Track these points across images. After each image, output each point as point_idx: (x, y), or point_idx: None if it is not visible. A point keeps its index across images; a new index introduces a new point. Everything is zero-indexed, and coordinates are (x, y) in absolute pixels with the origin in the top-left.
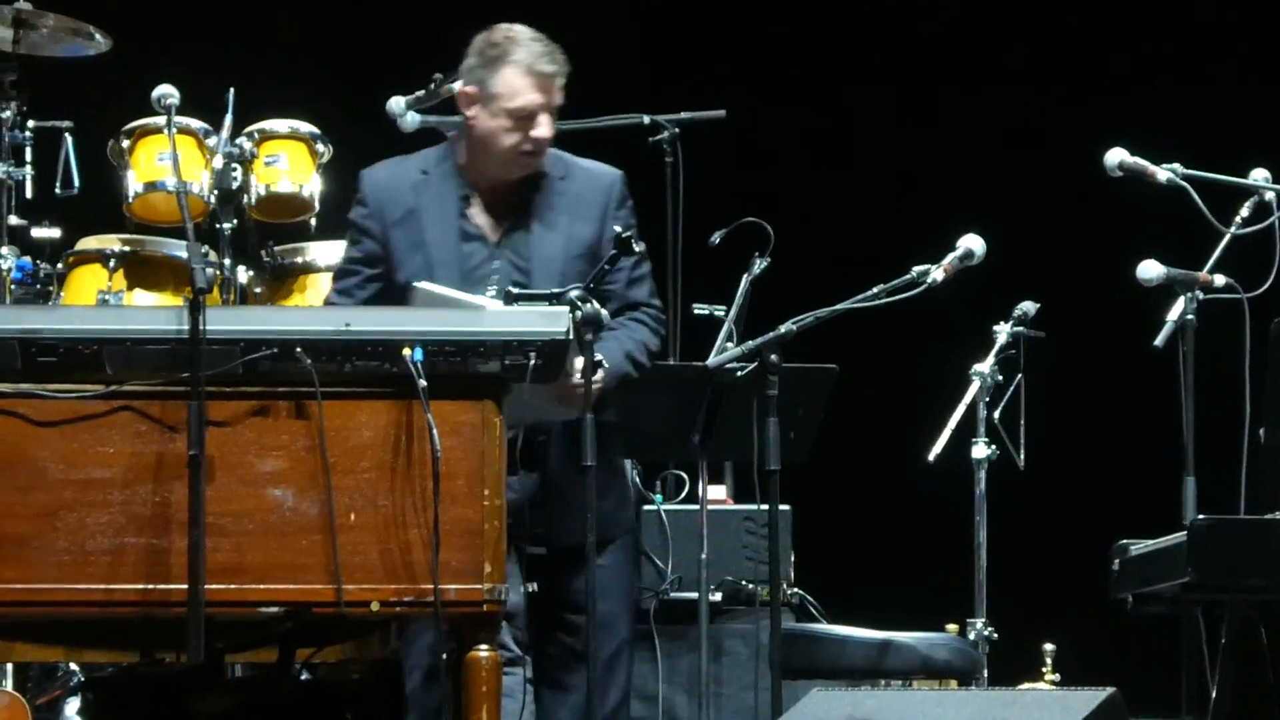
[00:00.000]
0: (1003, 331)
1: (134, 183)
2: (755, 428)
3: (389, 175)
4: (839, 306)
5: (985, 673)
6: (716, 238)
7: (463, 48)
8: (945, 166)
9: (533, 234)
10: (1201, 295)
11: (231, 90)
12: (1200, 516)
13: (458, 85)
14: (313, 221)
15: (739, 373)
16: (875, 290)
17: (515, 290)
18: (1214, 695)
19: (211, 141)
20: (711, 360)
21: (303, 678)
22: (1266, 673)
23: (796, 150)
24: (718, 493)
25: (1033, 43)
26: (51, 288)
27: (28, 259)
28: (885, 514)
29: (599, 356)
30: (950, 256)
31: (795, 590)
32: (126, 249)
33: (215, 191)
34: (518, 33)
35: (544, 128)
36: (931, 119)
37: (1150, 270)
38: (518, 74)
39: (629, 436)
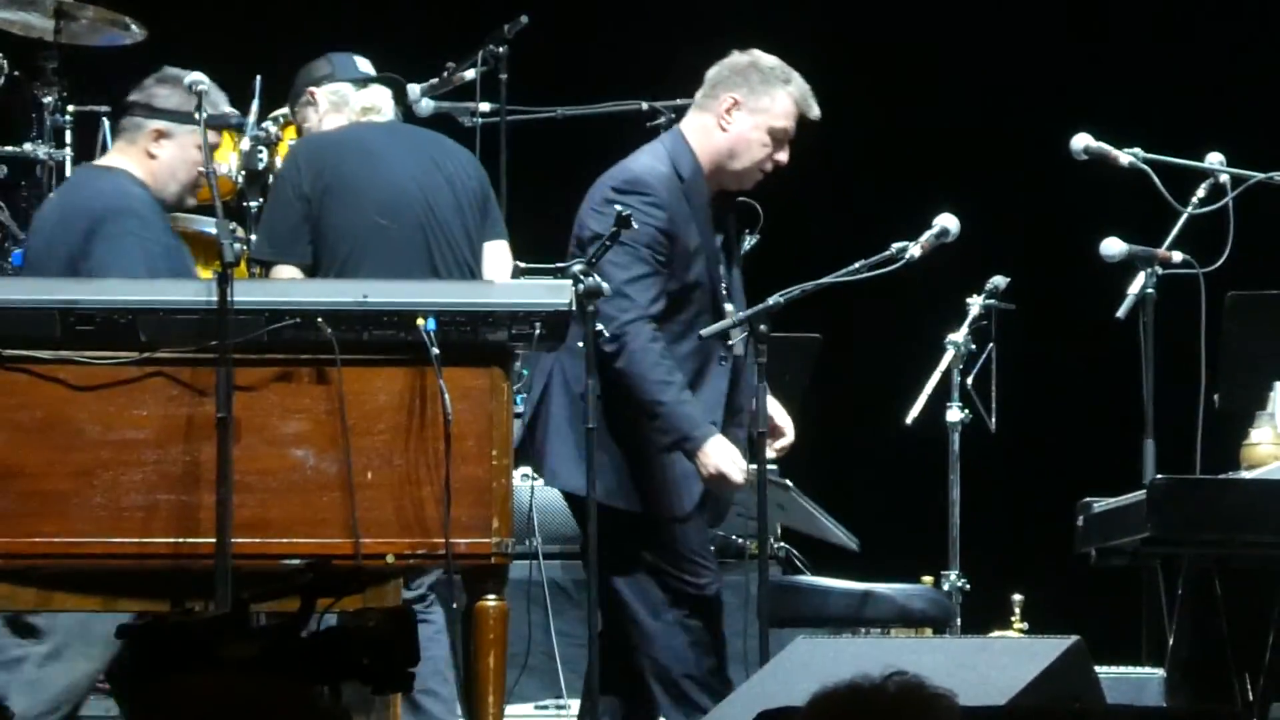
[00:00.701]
0: (975, 304)
1: None
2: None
3: (666, 179)
4: (823, 280)
5: (958, 621)
6: None
7: (471, 39)
8: (923, 151)
9: (728, 248)
10: (1160, 270)
11: (258, 78)
12: (1159, 476)
13: (469, 74)
14: None
15: (730, 342)
16: (857, 265)
17: (522, 265)
18: (1171, 643)
19: None
20: (705, 331)
21: (324, 625)
22: (1220, 622)
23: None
24: None
25: (1007, 34)
26: None
27: None
28: (866, 473)
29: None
30: (927, 234)
31: (782, 545)
32: None
33: (243, 172)
34: (788, 67)
35: (786, 155)
36: (910, 109)
37: (1113, 247)
38: (791, 101)
39: None
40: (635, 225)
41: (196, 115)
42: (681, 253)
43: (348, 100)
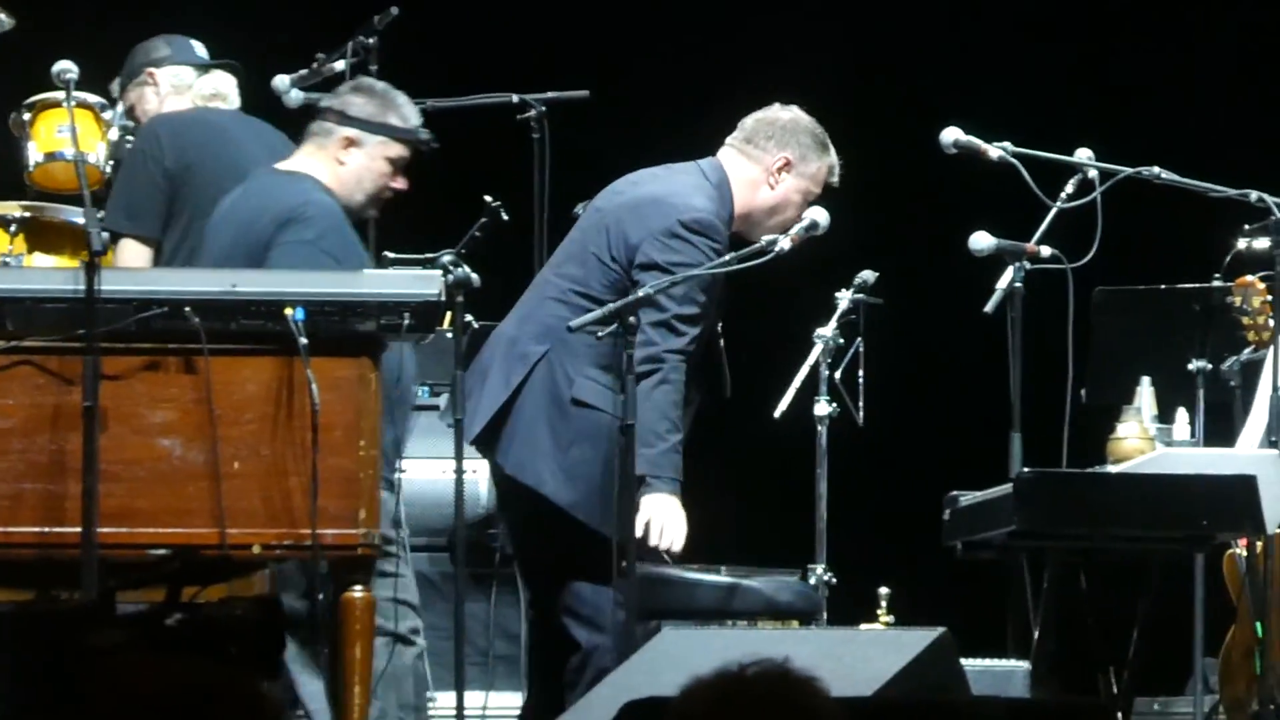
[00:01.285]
0: (844, 298)
1: (34, 153)
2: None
3: (725, 224)
4: (693, 272)
5: (825, 614)
6: (580, 208)
7: (341, 30)
8: None
9: None
10: (1029, 265)
11: None
12: (1025, 470)
13: (339, 65)
14: None
15: (599, 334)
16: (728, 258)
17: (391, 255)
18: (1036, 636)
19: (108, 115)
20: (574, 323)
21: (191, 613)
22: (1085, 614)
23: (656, 129)
24: None
25: (877, 25)
26: None
27: None
28: (735, 466)
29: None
30: (797, 227)
31: None
32: (27, 214)
33: (111, 161)
34: (824, 131)
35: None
36: (780, 100)
37: (981, 241)
38: (827, 169)
39: None
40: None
41: (65, 104)
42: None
43: (190, 84)
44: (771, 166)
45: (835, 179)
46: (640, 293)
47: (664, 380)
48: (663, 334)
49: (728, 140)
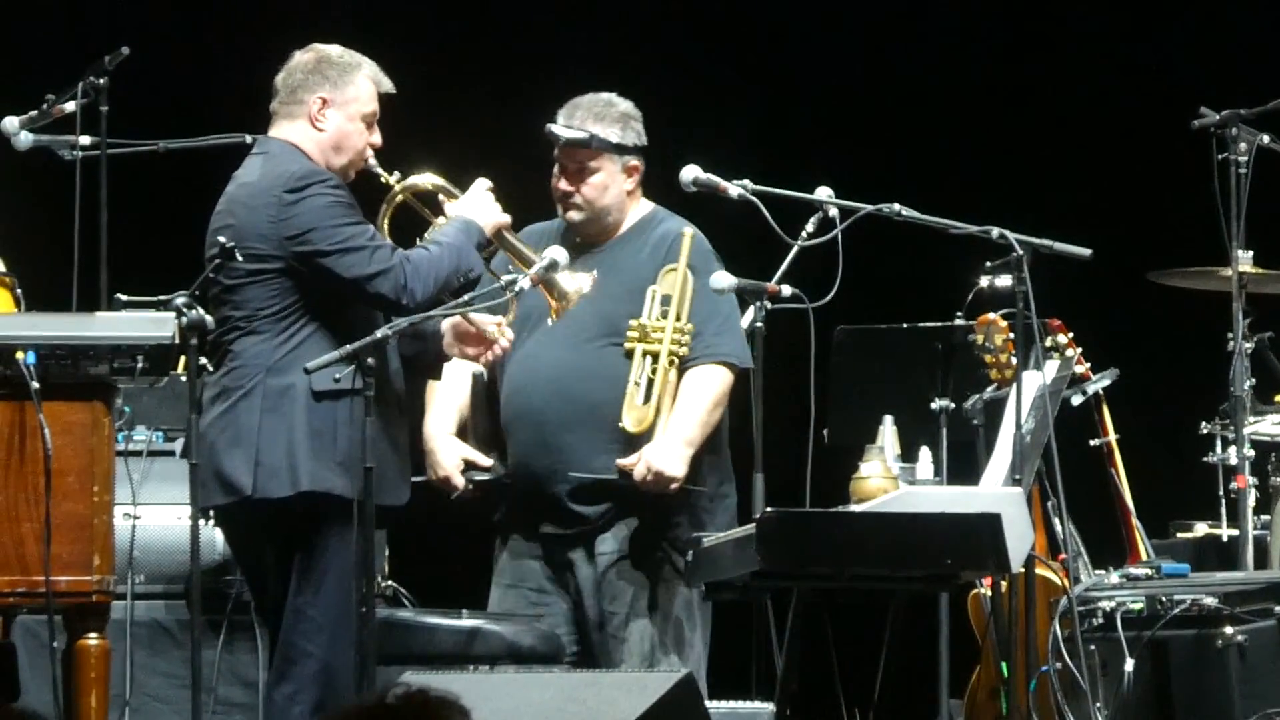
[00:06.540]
0: None
1: None
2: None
3: None
4: (432, 313)
5: (568, 658)
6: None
7: (71, 70)
8: (538, 183)
9: None
10: (770, 304)
11: None
12: (769, 510)
13: (70, 106)
14: None
15: (336, 377)
16: (467, 298)
17: (124, 298)
18: (780, 677)
19: None
20: (311, 364)
21: None
22: (829, 655)
23: None
24: None
25: (615, 59)
26: None
27: None
28: (471, 511)
29: None
30: (537, 266)
31: (390, 583)
32: None
33: None
34: (353, 51)
35: (379, 137)
36: (512, 130)
37: (722, 280)
38: (370, 83)
39: None
40: (321, 205)
41: None
42: None
43: None
44: (313, 112)
45: (384, 85)
46: (379, 334)
47: (415, 282)
48: (378, 259)
49: (271, 110)
